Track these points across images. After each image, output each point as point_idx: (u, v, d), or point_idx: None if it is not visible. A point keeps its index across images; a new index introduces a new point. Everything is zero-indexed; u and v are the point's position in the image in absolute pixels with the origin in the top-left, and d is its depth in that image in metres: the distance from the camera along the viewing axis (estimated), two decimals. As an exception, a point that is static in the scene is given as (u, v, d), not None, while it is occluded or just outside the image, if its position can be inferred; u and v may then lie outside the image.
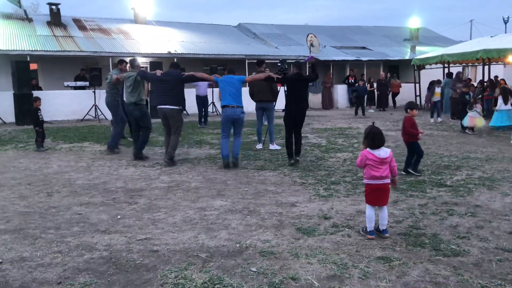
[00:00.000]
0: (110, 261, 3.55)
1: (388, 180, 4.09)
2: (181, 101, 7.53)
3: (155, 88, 7.71)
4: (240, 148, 7.53)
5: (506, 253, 3.65)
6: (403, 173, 6.56)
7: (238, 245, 3.87)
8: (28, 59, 15.55)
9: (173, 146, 7.57)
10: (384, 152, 4.07)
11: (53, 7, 20.27)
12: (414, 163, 6.68)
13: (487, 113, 13.99)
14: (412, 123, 6.69)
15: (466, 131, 11.32)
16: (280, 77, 7.91)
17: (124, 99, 8.68)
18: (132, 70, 8.17)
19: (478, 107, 11.60)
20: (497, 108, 12.13)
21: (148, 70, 13.46)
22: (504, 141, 9.88)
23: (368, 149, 4.09)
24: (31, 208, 5.08)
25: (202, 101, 13.99)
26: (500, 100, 11.89)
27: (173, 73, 7.58)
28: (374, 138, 4.06)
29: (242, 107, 7.25)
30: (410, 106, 6.77)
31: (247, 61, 18.95)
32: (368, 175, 4.08)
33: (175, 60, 17.93)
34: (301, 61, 7.79)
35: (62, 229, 4.34)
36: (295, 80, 7.50)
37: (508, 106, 11.65)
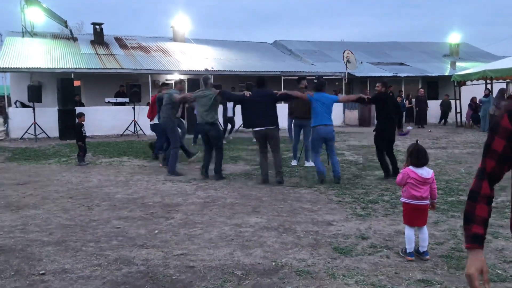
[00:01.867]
0: (147, 276, 3.60)
1: (427, 202, 3.98)
2: (277, 120, 7.48)
3: (246, 109, 7.55)
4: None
5: (558, 280, 3.45)
6: None
7: (274, 263, 3.84)
8: (72, 76, 16.21)
9: (279, 164, 7.39)
10: (426, 172, 3.97)
11: (97, 26, 21.13)
12: None
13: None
14: None
15: None
16: (370, 97, 7.92)
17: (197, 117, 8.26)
18: (204, 89, 7.90)
19: None
20: None
21: (186, 87, 13.63)
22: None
23: (411, 167, 4.00)
24: (73, 221, 5.24)
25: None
26: None
27: (265, 93, 7.53)
28: (419, 156, 3.97)
29: (332, 125, 7.41)
30: None
31: (282, 78, 19.00)
32: (408, 194, 3.98)
33: (211, 77, 18.24)
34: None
35: (102, 242, 4.44)
36: (384, 100, 7.49)
37: None
